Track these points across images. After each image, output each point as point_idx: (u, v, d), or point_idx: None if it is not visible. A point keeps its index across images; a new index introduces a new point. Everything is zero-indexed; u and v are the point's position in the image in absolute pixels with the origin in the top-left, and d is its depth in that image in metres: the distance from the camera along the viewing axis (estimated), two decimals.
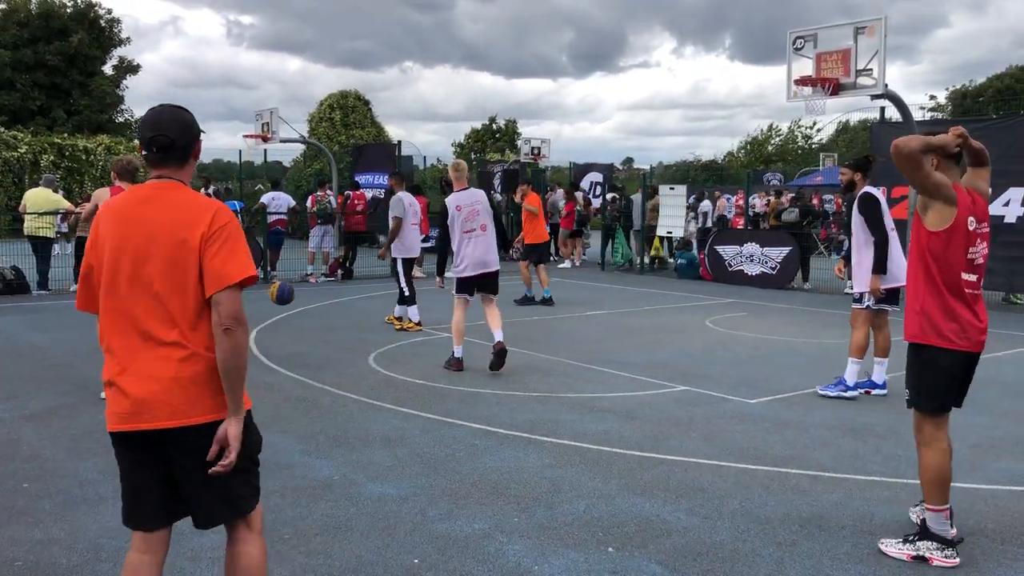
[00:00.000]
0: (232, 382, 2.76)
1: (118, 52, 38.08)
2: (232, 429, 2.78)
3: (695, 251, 18.38)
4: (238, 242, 2.80)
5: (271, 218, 16.60)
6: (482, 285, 8.46)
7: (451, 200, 8.49)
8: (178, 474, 2.86)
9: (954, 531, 4.18)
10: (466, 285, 8.44)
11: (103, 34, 36.84)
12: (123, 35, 37.91)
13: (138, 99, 54.83)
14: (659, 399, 7.34)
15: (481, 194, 8.66)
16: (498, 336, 8.29)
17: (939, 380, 4.13)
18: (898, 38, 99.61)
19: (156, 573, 2.98)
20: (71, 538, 4.32)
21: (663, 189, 19.51)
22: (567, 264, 20.32)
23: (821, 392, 7.45)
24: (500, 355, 8.23)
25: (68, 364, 8.57)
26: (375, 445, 5.93)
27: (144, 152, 2.86)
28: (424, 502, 4.86)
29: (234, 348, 2.73)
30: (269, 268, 16.49)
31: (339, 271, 17.02)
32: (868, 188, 7.23)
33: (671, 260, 19.94)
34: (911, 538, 4.20)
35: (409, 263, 10.89)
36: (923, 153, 3.96)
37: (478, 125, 48.78)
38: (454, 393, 7.44)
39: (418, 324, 10.83)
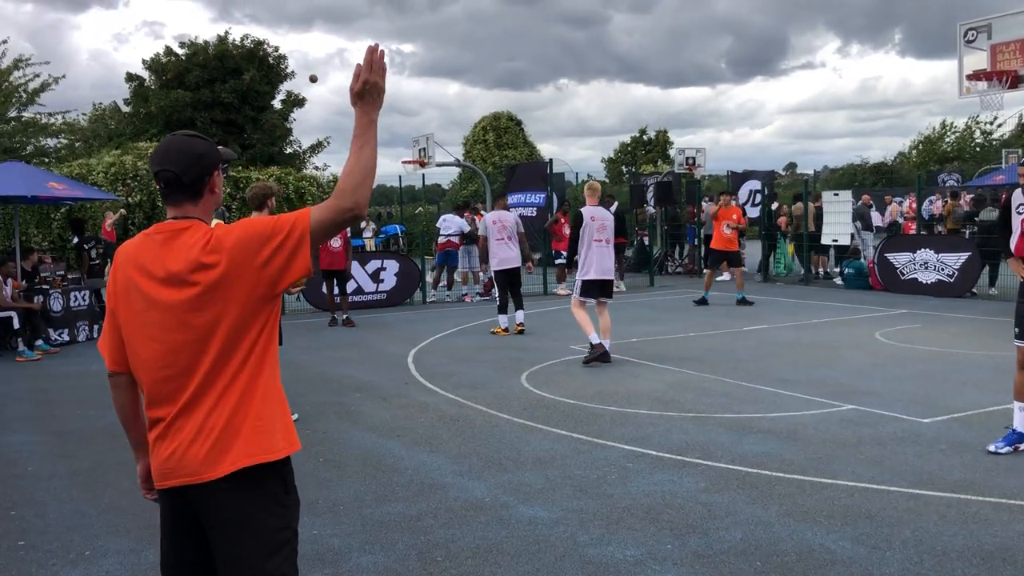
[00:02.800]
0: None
1: (285, 87, 40.32)
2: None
3: (863, 260, 17.48)
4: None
5: (441, 239, 17.09)
6: (602, 290, 9.70)
7: (586, 211, 9.82)
8: (212, 539, 2.52)
9: None
10: (590, 288, 9.65)
11: (272, 70, 39.10)
12: (289, 70, 40.08)
13: (307, 130, 58.23)
14: (824, 419, 6.98)
15: (608, 213, 9.99)
16: (607, 343, 9.43)
17: None
18: None
19: None
20: None
21: (826, 195, 18.66)
22: (726, 276, 19.79)
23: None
24: (603, 357, 9.34)
25: None
26: (527, 466, 5.93)
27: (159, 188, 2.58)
28: (575, 526, 4.80)
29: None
30: (432, 288, 17.04)
31: (493, 290, 17.24)
32: None
33: (835, 269, 19.03)
34: None
35: (501, 274, 12.13)
36: None
37: (627, 139, 48.48)
38: (606, 413, 7.35)
39: (504, 330, 12.01)
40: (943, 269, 15.23)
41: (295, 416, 7.35)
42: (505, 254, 12.11)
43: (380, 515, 5.04)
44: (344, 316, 13.61)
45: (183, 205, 2.54)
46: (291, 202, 31.33)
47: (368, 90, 2.47)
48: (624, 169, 46.07)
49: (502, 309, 12.11)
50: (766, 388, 8.14)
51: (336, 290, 13.63)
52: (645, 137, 47.80)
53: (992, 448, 5.90)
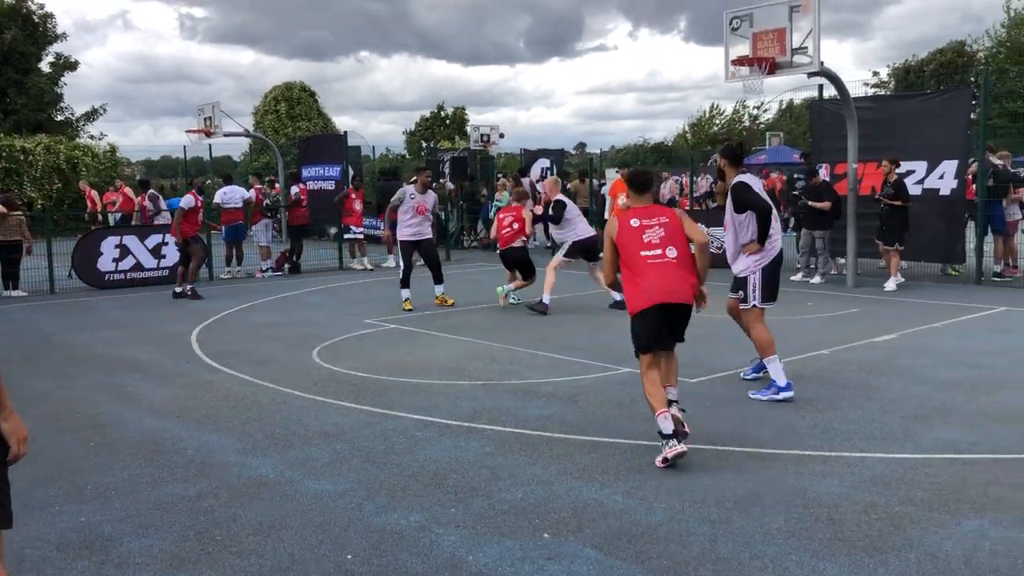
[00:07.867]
0: None
1: (54, 48, 37.09)
2: None
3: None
4: None
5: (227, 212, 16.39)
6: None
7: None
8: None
9: (673, 426, 5.20)
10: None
11: (37, 30, 35.83)
12: (59, 31, 36.88)
13: (82, 96, 53.88)
14: (603, 382, 7.36)
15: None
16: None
17: (639, 331, 5.51)
18: (850, 15, 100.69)
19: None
20: None
21: (609, 173, 19.55)
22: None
23: (753, 396, 6.79)
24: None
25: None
26: (314, 441, 5.87)
27: None
28: (361, 497, 4.82)
29: None
30: (235, 264, 16.46)
31: (286, 265, 16.81)
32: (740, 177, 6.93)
33: None
34: (660, 444, 5.21)
35: (410, 244, 11.79)
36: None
37: (428, 114, 48.56)
38: (397, 385, 7.39)
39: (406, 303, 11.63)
40: (713, 243, 16.37)
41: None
42: (422, 228, 11.75)
43: (156, 498, 4.84)
44: (183, 288, 13.47)
45: None
46: (62, 172, 29.02)
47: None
48: (423, 144, 46.01)
49: (405, 283, 11.65)
50: (551, 355, 8.47)
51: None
52: (443, 114, 47.97)
53: (753, 395, 6.79)
